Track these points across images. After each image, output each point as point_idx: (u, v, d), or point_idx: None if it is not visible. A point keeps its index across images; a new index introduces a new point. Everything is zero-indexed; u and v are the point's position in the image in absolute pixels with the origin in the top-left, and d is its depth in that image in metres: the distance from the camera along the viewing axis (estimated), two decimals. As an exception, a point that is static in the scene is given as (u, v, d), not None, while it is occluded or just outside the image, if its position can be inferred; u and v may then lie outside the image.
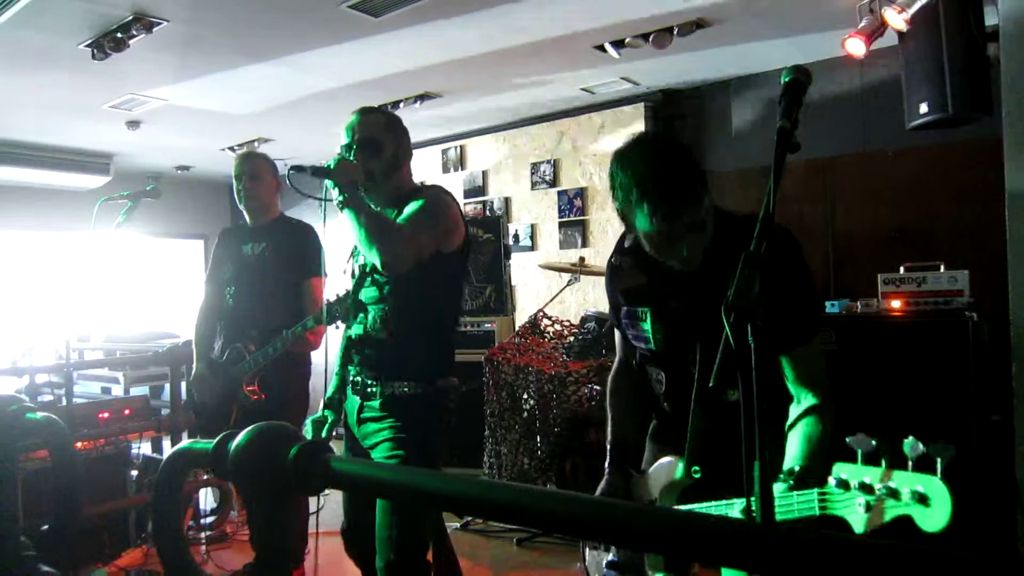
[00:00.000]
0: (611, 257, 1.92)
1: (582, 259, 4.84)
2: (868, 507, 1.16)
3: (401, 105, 5.65)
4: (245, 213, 3.31)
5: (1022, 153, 2.89)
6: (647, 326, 1.77)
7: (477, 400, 4.50)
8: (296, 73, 4.91)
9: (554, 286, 5.83)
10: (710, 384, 1.04)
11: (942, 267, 3.52)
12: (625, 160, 1.66)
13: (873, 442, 1.12)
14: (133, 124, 5.96)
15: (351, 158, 2.19)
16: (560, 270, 4.86)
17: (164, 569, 1.24)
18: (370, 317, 2.23)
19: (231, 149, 7.02)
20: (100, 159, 7.11)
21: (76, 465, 1.88)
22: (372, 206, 2.15)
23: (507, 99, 5.80)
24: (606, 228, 5.89)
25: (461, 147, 6.85)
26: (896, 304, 3.49)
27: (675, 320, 1.73)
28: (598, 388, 4.02)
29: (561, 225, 6.14)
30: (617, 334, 1.99)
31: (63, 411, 3.37)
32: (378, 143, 2.23)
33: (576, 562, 3.58)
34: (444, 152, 6.94)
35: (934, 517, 1.08)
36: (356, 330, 2.26)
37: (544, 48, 4.61)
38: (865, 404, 3.44)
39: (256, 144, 6.86)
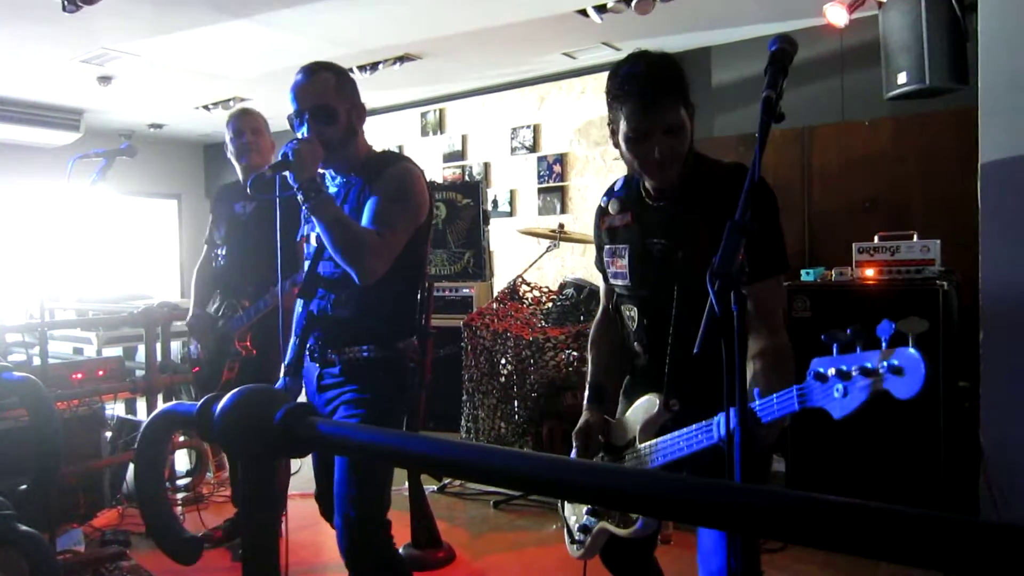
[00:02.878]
0: (600, 200, 1.99)
1: (561, 225, 4.84)
2: (845, 392, 1.23)
3: (380, 66, 5.56)
4: (241, 171, 3.23)
5: (996, 124, 2.93)
6: (625, 262, 1.84)
7: (455, 365, 4.52)
8: (274, 31, 4.82)
9: (532, 252, 5.83)
10: (694, 352, 1.07)
11: (915, 236, 3.57)
12: (614, 69, 1.74)
13: (848, 331, 1.20)
14: (104, 80, 5.82)
15: (304, 131, 2.06)
16: (539, 236, 4.86)
17: (147, 527, 1.25)
18: (332, 296, 2.13)
19: (205, 108, 6.89)
20: (70, 115, 6.95)
21: (55, 425, 1.87)
22: (338, 210, 2.01)
23: (488, 62, 5.74)
24: (585, 195, 5.89)
25: (440, 110, 6.78)
26: (870, 272, 3.55)
27: (652, 256, 1.80)
28: (576, 354, 4.05)
29: (540, 191, 6.13)
30: (601, 284, 2.06)
31: (37, 371, 3.33)
32: (332, 110, 2.06)
33: (552, 524, 3.65)
34: (423, 115, 6.87)
35: (909, 384, 1.14)
36: (317, 306, 2.15)
37: (526, 11, 4.55)
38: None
39: (231, 103, 6.73)
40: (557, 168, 6.03)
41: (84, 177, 3.03)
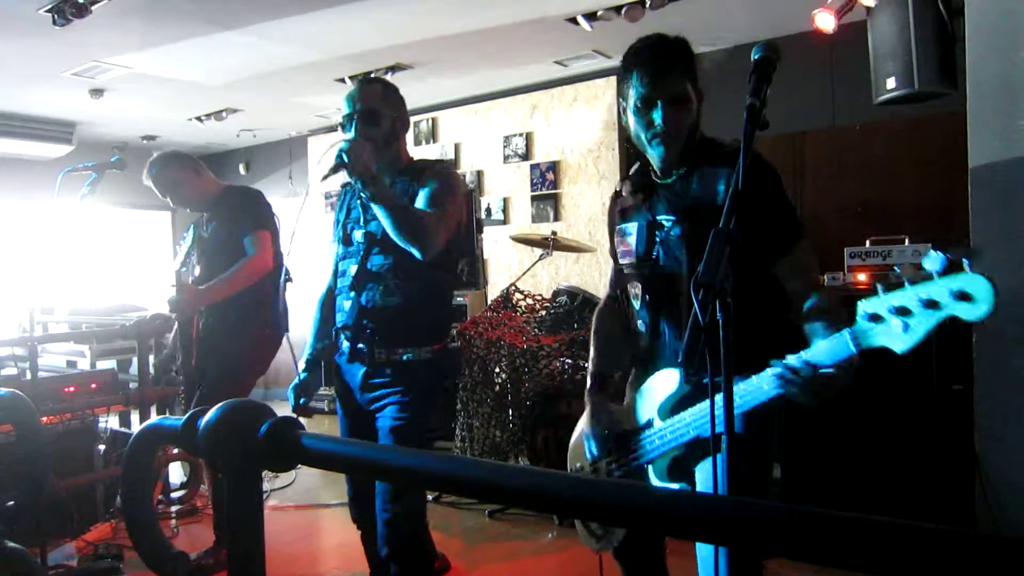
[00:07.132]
0: (616, 186, 2.05)
1: (554, 233, 4.84)
2: (907, 327, 1.22)
3: (372, 76, 5.57)
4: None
5: (985, 128, 2.93)
6: (634, 237, 1.86)
7: (449, 373, 4.51)
8: (265, 42, 4.82)
9: (526, 260, 5.84)
10: (679, 360, 1.06)
11: (906, 240, 3.58)
12: (630, 47, 1.82)
13: (896, 268, 1.20)
14: (97, 92, 5.81)
15: (351, 129, 2.28)
16: (532, 244, 4.86)
17: (133, 544, 1.24)
18: (381, 286, 2.30)
19: (198, 119, 6.89)
20: (62, 128, 6.93)
21: (41, 440, 1.85)
22: (396, 195, 2.22)
23: (480, 71, 5.75)
24: (578, 202, 5.89)
25: (433, 119, 6.78)
26: (862, 277, 3.55)
27: (658, 233, 1.82)
28: (570, 362, 4.05)
29: (533, 199, 6.13)
30: (609, 272, 2.08)
31: (27, 385, 3.32)
32: (376, 113, 2.34)
33: (548, 533, 3.64)
34: (416, 124, 6.87)
35: (978, 307, 1.14)
36: (366, 298, 2.31)
37: (517, 20, 4.56)
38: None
39: (223, 114, 6.73)
40: (550, 176, 6.03)
41: (75, 190, 3.03)
